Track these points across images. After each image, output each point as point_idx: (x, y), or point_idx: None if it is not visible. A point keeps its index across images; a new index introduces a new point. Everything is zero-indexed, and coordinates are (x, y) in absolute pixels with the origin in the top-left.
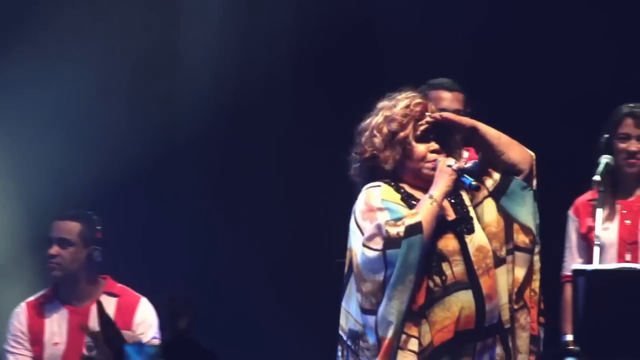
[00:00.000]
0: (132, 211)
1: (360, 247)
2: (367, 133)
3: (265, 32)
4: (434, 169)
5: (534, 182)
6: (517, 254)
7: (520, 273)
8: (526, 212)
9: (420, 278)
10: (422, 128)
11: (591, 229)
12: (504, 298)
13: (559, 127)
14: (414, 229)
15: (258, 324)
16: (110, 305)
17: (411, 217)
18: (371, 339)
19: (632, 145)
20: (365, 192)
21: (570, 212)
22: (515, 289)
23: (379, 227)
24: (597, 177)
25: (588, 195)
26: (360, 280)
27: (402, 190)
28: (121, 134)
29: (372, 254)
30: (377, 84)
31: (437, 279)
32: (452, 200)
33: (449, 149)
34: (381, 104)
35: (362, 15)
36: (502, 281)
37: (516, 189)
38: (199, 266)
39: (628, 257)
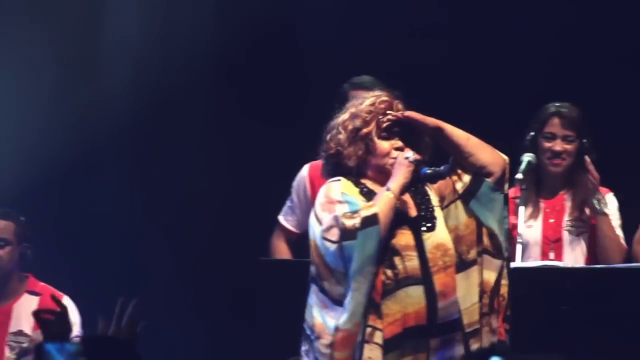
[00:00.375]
0: (50, 209)
1: (320, 238)
2: (333, 131)
3: (185, 31)
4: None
5: (506, 186)
6: (486, 257)
7: (490, 277)
8: (493, 217)
9: (378, 269)
10: (384, 125)
11: (514, 226)
12: (471, 299)
13: (483, 124)
14: (370, 221)
15: (179, 324)
16: (32, 303)
17: (367, 209)
18: (329, 329)
19: (557, 145)
20: (325, 185)
21: None
22: (489, 292)
23: (336, 218)
24: (519, 175)
25: (511, 192)
26: (328, 271)
27: (362, 185)
28: (42, 131)
29: (330, 245)
30: (296, 83)
31: (389, 272)
32: (417, 200)
33: (417, 148)
34: (350, 103)
35: (284, 16)
36: (471, 283)
37: (486, 192)
38: (121, 264)
39: (552, 255)
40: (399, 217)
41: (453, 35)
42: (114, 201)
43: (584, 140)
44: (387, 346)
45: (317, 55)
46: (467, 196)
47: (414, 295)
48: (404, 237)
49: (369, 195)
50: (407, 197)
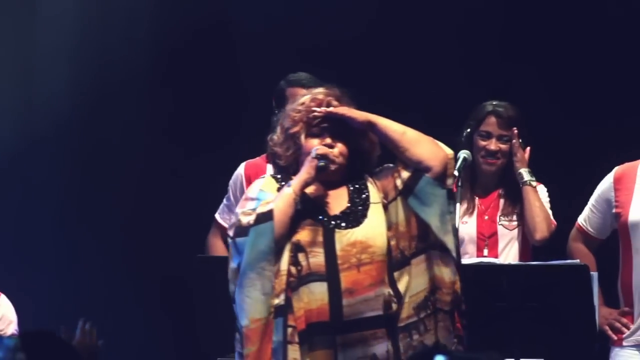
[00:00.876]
0: None
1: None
2: (274, 129)
3: (122, 23)
4: None
5: (449, 181)
6: (435, 252)
7: (443, 272)
8: (431, 212)
9: (277, 266)
10: (313, 122)
11: None
12: (411, 294)
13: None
14: (263, 217)
15: (117, 321)
16: None
17: (264, 206)
18: (238, 326)
19: (492, 145)
20: (254, 182)
21: None
22: (445, 289)
23: (236, 215)
24: (455, 172)
25: None
26: (230, 267)
27: (285, 182)
28: None
29: (229, 241)
30: (231, 78)
31: (293, 269)
32: (354, 195)
33: (358, 144)
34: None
35: (219, 11)
36: (413, 279)
37: (424, 187)
38: (57, 262)
39: (486, 251)
40: (313, 213)
41: (390, 29)
42: (49, 198)
43: (520, 140)
44: (300, 341)
45: (251, 51)
46: (406, 192)
47: (317, 292)
48: (311, 234)
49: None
50: (342, 192)
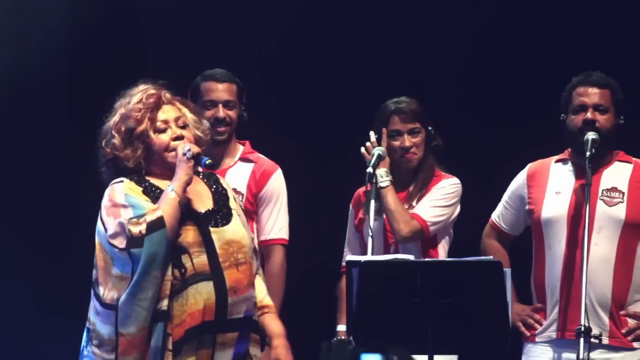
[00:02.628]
0: None
1: (107, 244)
2: (107, 135)
3: (38, 15)
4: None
5: None
6: None
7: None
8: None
9: (164, 273)
10: (157, 117)
11: (362, 220)
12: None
13: (341, 120)
14: (155, 225)
15: (19, 320)
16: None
17: (152, 213)
18: (106, 334)
19: (406, 141)
20: (109, 188)
21: (351, 204)
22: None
23: (121, 225)
24: (369, 170)
25: (362, 187)
26: (107, 275)
27: (146, 183)
28: None
29: (118, 252)
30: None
31: (177, 272)
32: (215, 194)
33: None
34: (118, 104)
35: (130, 6)
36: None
37: None
38: None
39: (392, 248)
40: (186, 213)
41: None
42: None
43: (429, 129)
44: (176, 349)
45: (161, 47)
46: None
47: (204, 291)
48: (191, 234)
49: (154, 192)
50: (204, 191)
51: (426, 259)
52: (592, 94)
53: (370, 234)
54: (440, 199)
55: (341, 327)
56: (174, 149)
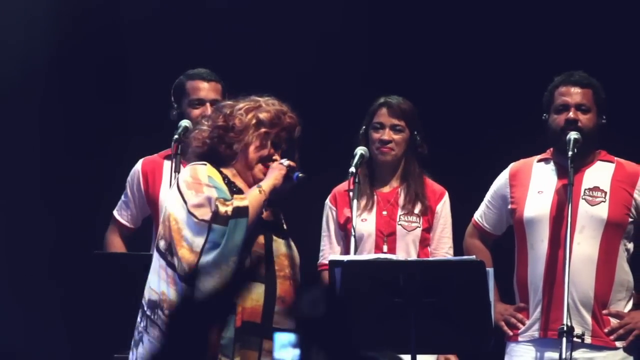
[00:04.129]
0: None
1: (185, 213)
2: (229, 110)
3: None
4: (264, 174)
5: None
6: None
7: None
8: None
9: (242, 262)
10: (284, 136)
11: (349, 219)
12: None
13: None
14: (241, 212)
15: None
16: None
17: (240, 200)
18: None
19: (385, 134)
20: (191, 167)
21: (328, 201)
22: None
23: (209, 199)
24: (352, 169)
25: (346, 185)
26: (180, 246)
27: (224, 175)
28: None
29: (197, 222)
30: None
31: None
32: (274, 210)
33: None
34: (257, 97)
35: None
36: None
37: None
38: None
39: (385, 248)
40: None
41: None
42: None
43: (415, 132)
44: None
45: (140, 52)
46: None
47: (254, 292)
48: (257, 236)
49: (230, 185)
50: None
51: (409, 259)
52: (575, 94)
53: (354, 233)
54: (450, 228)
55: None
56: (266, 166)
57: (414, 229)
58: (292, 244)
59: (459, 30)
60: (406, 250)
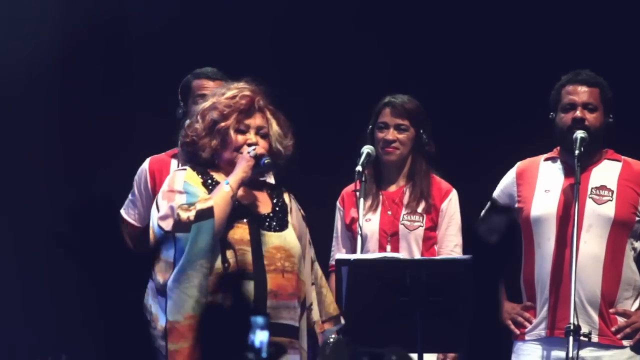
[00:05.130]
0: None
1: (156, 226)
2: (193, 118)
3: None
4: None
5: None
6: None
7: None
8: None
9: (213, 263)
10: (244, 119)
11: (354, 219)
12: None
13: (327, 119)
14: (204, 214)
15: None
16: None
17: (203, 202)
18: (161, 321)
19: (389, 134)
20: (172, 174)
21: (338, 203)
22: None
23: (172, 208)
24: (358, 168)
25: (351, 186)
26: (157, 259)
27: (208, 176)
28: None
29: (165, 234)
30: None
31: (221, 266)
32: (274, 200)
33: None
34: (216, 90)
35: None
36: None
37: None
38: None
39: (388, 248)
40: (240, 211)
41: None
42: None
43: (421, 131)
44: None
45: (147, 51)
46: None
47: (243, 290)
48: (239, 231)
49: (212, 186)
50: (265, 199)
51: (416, 257)
52: (581, 93)
53: (360, 232)
54: (456, 225)
55: None
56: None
57: (416, 228)
58: (292, 233)
59: (467, 29)
60: (409, 249)
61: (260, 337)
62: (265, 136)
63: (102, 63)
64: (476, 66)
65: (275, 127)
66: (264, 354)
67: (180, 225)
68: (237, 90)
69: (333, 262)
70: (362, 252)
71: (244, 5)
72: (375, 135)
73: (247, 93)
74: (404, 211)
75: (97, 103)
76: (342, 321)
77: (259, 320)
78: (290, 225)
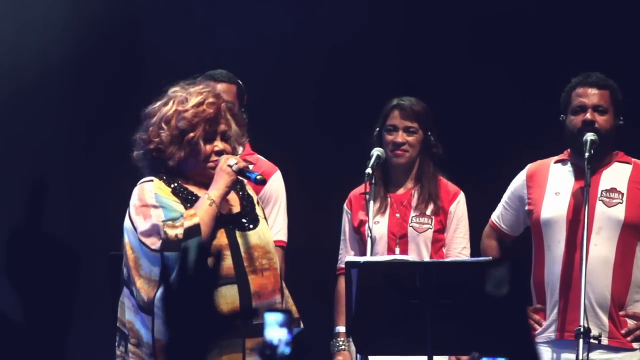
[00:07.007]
0: None
1: (136, 242)
2: (154, 121)
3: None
4: (215, 167)
5: None
6: None
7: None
8: None
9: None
10: (211, 129)
11: (363, 222)
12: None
13: (332, 122)
14: (192, 231)
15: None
16: None
17: (190, 219)
18: (144, 337)
19: (399, 137)
20: (138, 187)
21: (345, 205)
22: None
23: (156, 227)
24: (368, 170)
25: (361, 188)
26: (137, 276)
27: (175, 184)
28: None
29: (148, 252)
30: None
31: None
32: (242, 198)
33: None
34: (173, 92)
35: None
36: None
37: None
38: None
39: (397, 250)
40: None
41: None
42: None
43: (429, 134)
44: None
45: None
46: None
47: (228, 295)
48: (218, 237)
49: (182, 194)
50: (232, 195)
51: (426, 260)
52: (592, 95)
53: (369, 234)
54: (464, 228)
55: (340, 329)
56: (213, 161)
57: (425, 231)
58: (265, 227)
59: (477, 31)
60: (418, 252)
61: (279, 334)
62: (228, 139)
63: (111, 62)
64: (485, 67)
65: (234, 128)
66: (285, 350)
67: (169, 244)
68: (201, 97)
69: (342, 265)
70: (371, 254)
71: (250, 7)
72: (383, 138)
73: (212, 100)
74: (412, 213)
75: (106, 104)
76: (302, 325)
77: (279, 316)
78: (260, 218)
